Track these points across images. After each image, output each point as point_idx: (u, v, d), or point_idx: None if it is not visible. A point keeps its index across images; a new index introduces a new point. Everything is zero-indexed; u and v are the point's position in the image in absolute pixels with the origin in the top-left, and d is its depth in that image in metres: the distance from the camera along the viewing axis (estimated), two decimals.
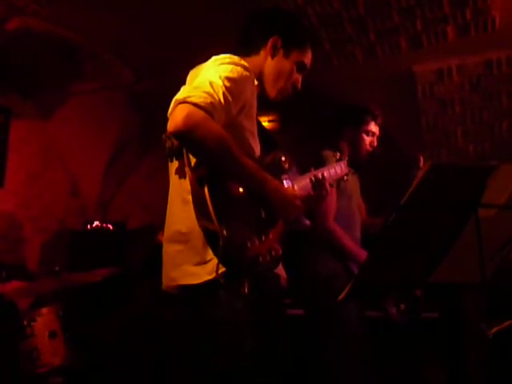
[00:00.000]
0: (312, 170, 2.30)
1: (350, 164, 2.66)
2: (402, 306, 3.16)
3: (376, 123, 3.37)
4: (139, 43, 4.57)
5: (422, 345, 3.76)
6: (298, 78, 2.23)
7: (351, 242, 3.15)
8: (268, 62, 2.15)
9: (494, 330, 2.43)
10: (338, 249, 3.12)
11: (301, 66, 2.21)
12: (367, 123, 3.34)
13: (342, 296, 2.00)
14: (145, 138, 5.98)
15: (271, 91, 2.18)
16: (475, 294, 3.55)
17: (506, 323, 2.41)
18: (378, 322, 3.63)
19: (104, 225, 5.45)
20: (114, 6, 4.08)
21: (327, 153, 3.14)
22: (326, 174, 2.29)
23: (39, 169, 5.47)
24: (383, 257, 1.96)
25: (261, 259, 1.82)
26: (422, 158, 3.19)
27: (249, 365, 1.87)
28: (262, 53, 2.16)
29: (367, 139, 3.33)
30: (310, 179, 2.23)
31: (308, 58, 2.24)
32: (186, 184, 1.87)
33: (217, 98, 1.78)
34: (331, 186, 2.33)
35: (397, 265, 1.99)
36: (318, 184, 2.23)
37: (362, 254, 3.05)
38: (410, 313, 3.46)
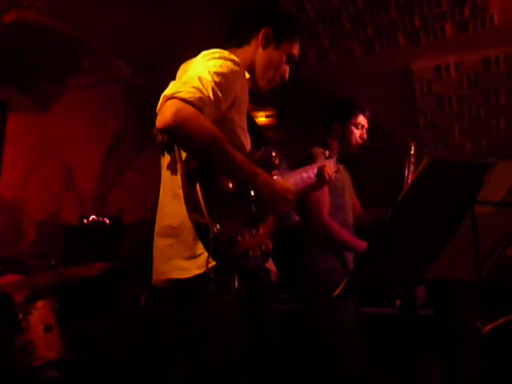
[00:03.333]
0: (303, 167, 2.34)
1: (342, 158, 2.68)
2: (398, 303, 3.16)
3: (364, 116, 3.39)
4: (137, 38, 4.56)
5: (417, 341, 3.76)
6: (286, 69, 2.23)
7: (348, 234, 3.16)
8: (259, 53, 2.16)
9: (489, 326, 2.43)
10: (335, 242, 3.13)
11: (290, 58, 2.22)
12: (355, 116, 3.36)
13: (336, 292, 2.00)
14: (141, 133, 5.96)
15: (260, 81, 2.18)
16: (471, 290, 3.55)
17: (501, 320, 2.42)
18: (373, 319, 3.64)
19: (100, 219, 5.44)
20: (112, 0, 4.08)
21: (317, 150, 3.16)
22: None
23: (36, 163, 5.45)
24: (379, 253, 1.96)
25: (251, 253, 1.82)
26: (413, 145, 3.20)
27: (239, 359, 1.87)
28: (254, 44, 2.16)
29: (357, 132, 3.35)
30: (318, 167, 2.27)
31: (297, 50, 2.25)
32: (178, 179, 1.88)
33: (206, 93, 1.78)
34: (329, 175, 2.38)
35: (393, 261, 1.99)
36: (321, 174, 2.27)
37: (360, 245, 3.07)
38: (406, 309, 3.46)
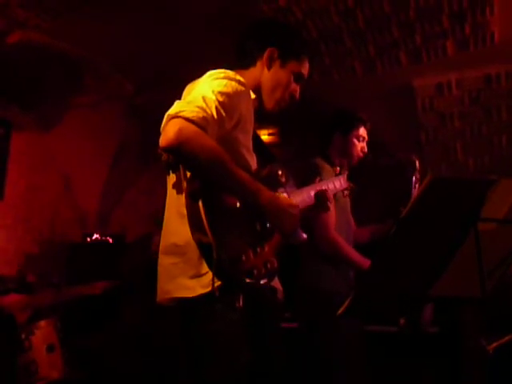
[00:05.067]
0: (311, 184, 2.31)
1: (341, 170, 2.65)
2: (402, 321, 3.14)
3: (365, 128, 3.36)
4: (139, 56, 4.59)
5: (422, 359, 3.74)
6: (296, 88, 2.21)
7: (353, 250, 3.14)
8: (265, 74, 2.15)
9: (494, 344, 2.42)
10: (341, 259, 3.10)
11: (298, 77, 2.20)
12: (357, 128, 3.32)
13: (341, 310, 1.98)
14: (144, 151, 5.99)
15: (268, 102, 2.17)
16: (475, 308, 3.54)
17: (506, 338, 2.40)
18: (377, 337, 3.62)
19: (103, 237, 5.44)
20: (115, 19, 4.11)
21: (319, 160, 3.14)
22: (324, 188, 2.31)
23: (39, 181, 5.47)
24: (383, 270, 1.95)
25: (255, 272, 1.82)
26: (417, 161, 3.19)
27: (243, 377, 1.86)
28: (259, 64, 2.15)
29: (358, 145, 3.31)
30: (315, 192, 2.24)
31: (305, 69, 2.23)
32: (183, 197, 1.87)
33: (209, 112, 1.78)
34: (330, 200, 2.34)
35: (396, 278, 1.99)
36: (322, 196, 2.24)
37: (365, 262, 3.04)
38: (410, 327, 3.45)
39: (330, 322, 2.92)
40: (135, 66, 4.88)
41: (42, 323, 3.39)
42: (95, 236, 5.45)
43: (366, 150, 3.34)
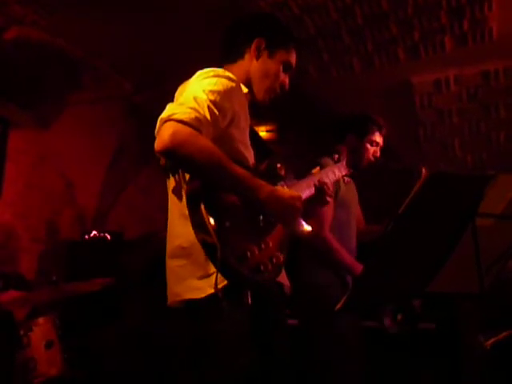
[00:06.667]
0: (310, 174, 2.29)
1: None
2: (399, 317, 3.14)
3: (381, 134, 3.35)
4: (139, 56, 4.58)
5: (419, 355, 3.74)
6: (286, 78, 2.21)
7: (346, 253, 3.11)
8: (253, 65, 2.15)
9: (492, 340, 2.42)
10: (331, 259, 3.08)
11: (286, 66, 2.20)
12: (372, 133, 3.32)
13: (338, 306, 1.98)
14: (143, 149, 5.97)
15: (259, 93, 2.16)
16: (472, 304, 3.54)
17: (503, 334, 2.40)
18: (375, 333, 3.62)
19: (101, 235, 5.43)
20: (114, 17, 4.10)
21: (327, 160, 3.12)
22: (326, 180, 2.28)
23: (37, 179, 5.45)
24: (380, 266, 1.95)
25: (262, 268, 1.82)
26: (424, 170, 3.18)
27: (240, 378, 1.86)
28: (247, 56, 2.15)
29: (371, 149, 3.30)
30: (314, 184, 2.22)
31: (293, 58, 2.23)
32: (184, 200, 1.87)
33: (202, 112, 1.78)
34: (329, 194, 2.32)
35: (394, 275, 1.99)
36: (321, 189, 2.22)
37: (357, 266, 3.03)
38: (407, 323, 3.45)
39: (328, 318, 2.92)
40: (135, 66, 4.87)
41: (41, 320, 3.38)
42: (93, 233, 5.44)
43: (377, 155, 3.33)
